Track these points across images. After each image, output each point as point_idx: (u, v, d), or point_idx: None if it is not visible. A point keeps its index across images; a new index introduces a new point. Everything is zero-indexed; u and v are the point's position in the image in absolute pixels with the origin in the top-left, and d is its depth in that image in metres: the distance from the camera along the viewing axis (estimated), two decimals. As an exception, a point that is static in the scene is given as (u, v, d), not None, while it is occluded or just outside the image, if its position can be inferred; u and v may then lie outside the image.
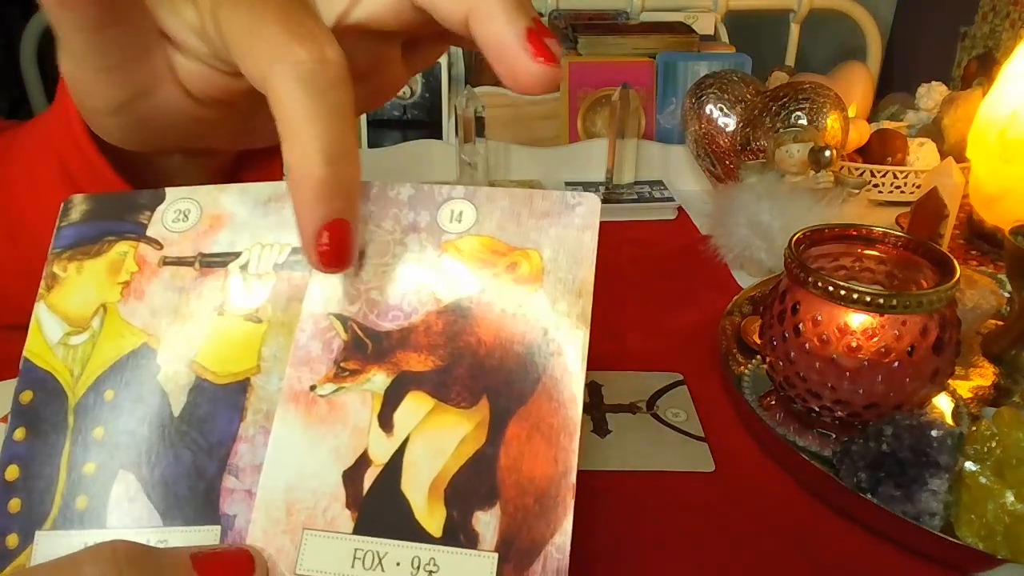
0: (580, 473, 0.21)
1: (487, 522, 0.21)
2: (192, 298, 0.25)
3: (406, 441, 0.22)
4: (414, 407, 0.23)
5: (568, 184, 0.82)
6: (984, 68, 0.92)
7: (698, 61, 0.91)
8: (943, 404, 0.46)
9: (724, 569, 0.37)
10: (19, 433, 0.24)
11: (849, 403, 0.41)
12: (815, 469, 0.40)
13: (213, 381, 0.24)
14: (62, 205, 0.26)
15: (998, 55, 1.03)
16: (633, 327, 0.57)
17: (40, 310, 0.25)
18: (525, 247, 0.24)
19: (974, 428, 0.38)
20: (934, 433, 0.38)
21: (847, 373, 0.40)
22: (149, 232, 0.26)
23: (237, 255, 0.25)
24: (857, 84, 0.93)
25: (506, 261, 0.24)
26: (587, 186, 0.81)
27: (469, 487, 0.22)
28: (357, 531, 0.21)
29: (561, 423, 0.22)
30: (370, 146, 0.87)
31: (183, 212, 0.26)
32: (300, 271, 0.25)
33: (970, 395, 0.48)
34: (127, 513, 0.23)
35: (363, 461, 0.22)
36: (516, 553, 0.21)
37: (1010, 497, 0.35)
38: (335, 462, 0.22)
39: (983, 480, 0.36)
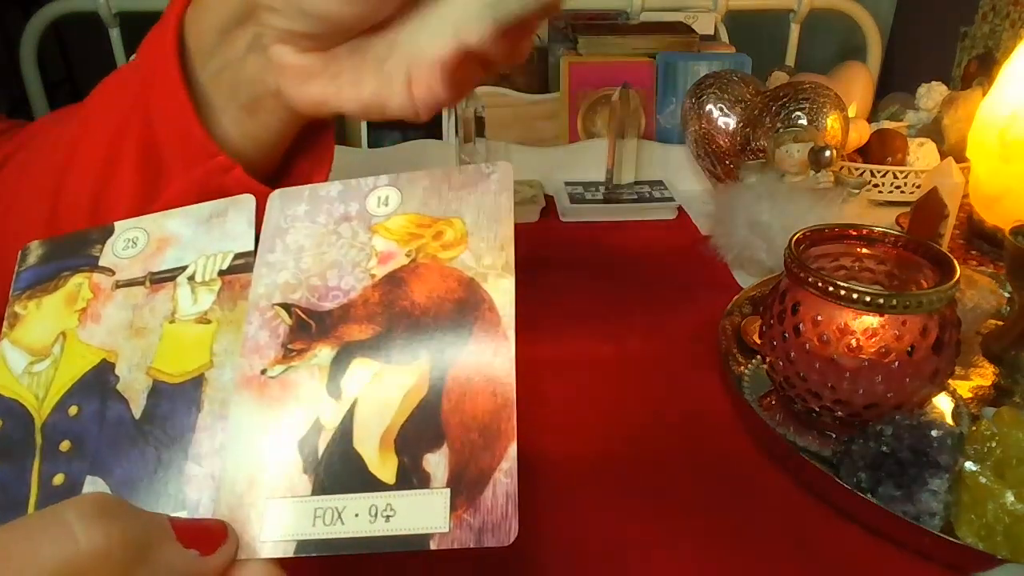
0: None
1: (436, 462, 0.22)
2: (145, 312, 0.27)
3: (354, 404, 0.24)
4: (359, 372, 0.24)
5: (568, 184, 0.82)
6: (984, 68, 0.92)
7: (698, 61, 0.91)
8: (943, 404, 0.46)
9: (724, 569, 0.37)
10: None
11: (849, 403, 0.41)
12: (815, 469, 0.40)
13: (169, 382, 0.25)
14: (19, 253, 0.28)
15: (998, 55, 1.03)
16: (633, 327, 0.57)
17: (4, 347, 0.27)
18: (448, 216, 0.26)
19: (974, 428, 0.38)
20: (934, 433, 0.38)
21: (847, 373, 0.40)
22: (101, 262, 0.28)
23: (184, 268, 0.27)
24: (857, 84, 0.93)
25: (432, 231, 0.26)
26: (587, 186, 0.81)
27: (416, 434, 0.23)
28: (315, 492, 0.23)
29: (498, 362, 0.23)
30: (370, 146, 0.87)
31: (132, 240, 0.28)
32: (244, 273, 0.27)
33: (970, 395, 0.48)
34: None
35: (315, 428, 0.24)
36: (466, 485, 0.22)
37: (1010, 497, 0.35)
38: (289, 434, 0.24)
39: (983, 480, 0.36)
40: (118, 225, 0.29)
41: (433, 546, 0.21)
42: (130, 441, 0.25)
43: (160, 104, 0.34)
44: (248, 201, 0.28)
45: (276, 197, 0.28)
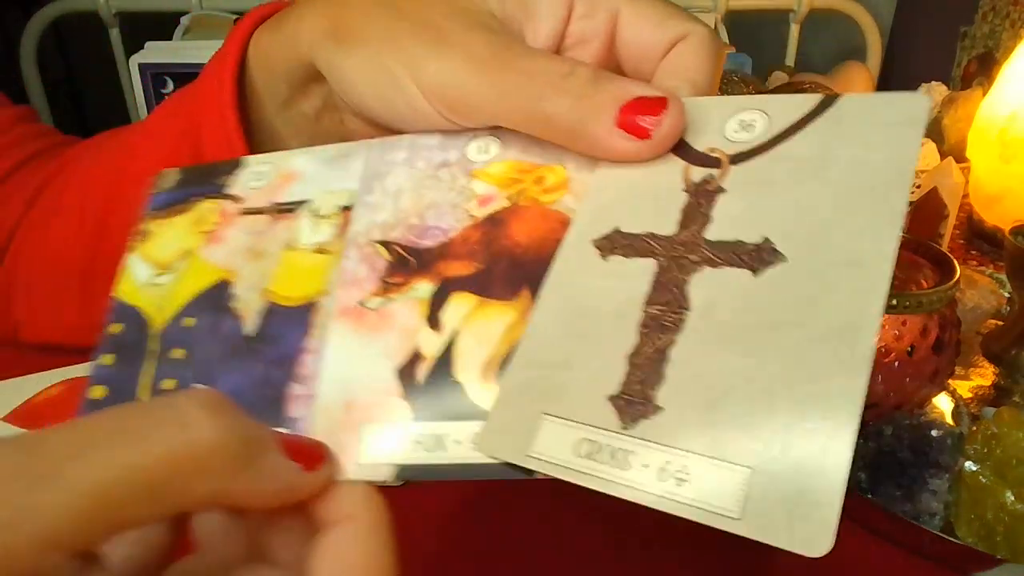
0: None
1: None
2: (267, 239, 0.28)
3: (454, 335, 0.24)
4: (459, 305, 0.24)
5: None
6: (984, 68, 0.92)
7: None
8: (943, 404, 0.46)
9: (724, 568, 0.37)
10: (107, 359, 0.27)
11: (849, 403, 0.41)
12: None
13: (283, 304, 0.26)
14: (155, 178, 0.30)
15: (998, 55, 1.03)
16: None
17: (131, 259, 0.29)
18: (550, 164, 0.26)
19: (974, 428, 0.38)
20: (934, 433, 0.38)
21: (847, 373, 0.40)
22: (230, 191, 0.29)
23: (307, 201, 0.28)
24: (857, 84, 0.93)
25: (533, 176, 0.26)
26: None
27: None
28: (416, 419, 0.22)
29: None
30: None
31: (260, 173, 0.29)
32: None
33: (970, 395, 0.48)
34: None
35: (415, 357, 0.24)
36: None
37: (1010, 497, 0.35)
38: (388, 361, 0.24)
39: (983, 480, 0.36)
40: (248, 159, 0.30)
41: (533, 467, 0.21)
42: (239, 356, 0.26)
43: (215, 151, 0.34)
44: (372, 144, 0.29)
45: (375, 144, 0.28)
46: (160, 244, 0.29)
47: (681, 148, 0.23)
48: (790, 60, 1.25)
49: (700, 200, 0.22)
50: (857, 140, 0.21)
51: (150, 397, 0.25)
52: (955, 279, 0.40)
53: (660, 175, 0.23)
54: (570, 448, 0.20)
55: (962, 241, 0.71)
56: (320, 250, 0.27)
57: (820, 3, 1.23)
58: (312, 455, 0.21)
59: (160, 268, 0.28)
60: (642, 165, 0.24)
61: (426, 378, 0.23)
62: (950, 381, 0.45)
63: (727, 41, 1.11)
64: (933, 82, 0.87)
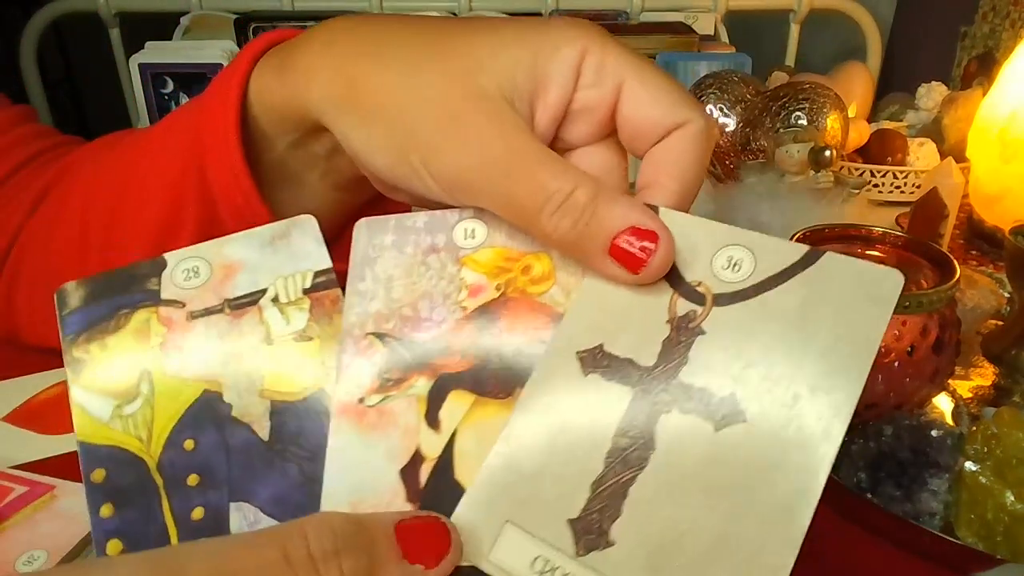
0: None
1: None
2: (235, 339, 0.26)
3: (454, 435, 0.24)
4: (457, 404, 0.24)
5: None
6: (984, 68, 0.92)
7: (698, 61, 0.91)
8: (943, 404, 0.46)
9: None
10: (106, 510, 0.24)
11: (849, 403, 0.41)
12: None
13: (288, 400, 0.25)
14: (56, 296, 0.27)
15: (998, 55, 1.03)
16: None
17: (77, 395, 0.26)
18: (535, 251, 0.26)
19: (974, 428, 0.38)
20: (934, 433, 0.38)
21: (847, 373, 0.40)
22: (164, 295, 0.27)
23: (263, 291, 0.27)
24: (857, 84, 0.93)
25: (520, 265, 0.26)
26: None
27: None
28: None
29: None
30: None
31: (192, 270, 0.27)
32: (329, 289, 0.27)
33: (970, 395, 0.48)
34: None
35: (417, 458, 0.24)
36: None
37: (1010, 497, 0.35)
38: (391, 462, 0.24)
39: (983, 480, 0.36)
40: (169, 257, 0.28)
41: None
42: (266, 462, 0.25)
43: (224, 192, 0.34)
44: (308, 221, 0.28)
45: (363, 226, 0.28)
46: (106, 371, 0.26)
47: (672, 274, 0.24)
48: (790, 60, 1.25)
49: (681, 337, 0.23)
50: (832, 307, 0.22)
51: (179, 534, 0.24)
52: (955, 279, 0.40)
53: (649, 298, 0.24)
54: (527, 562, 0.22)
55: (962, 241, 0.71)
56: (302, 337, 0.26)
57: (820, 3, 1.23)
58: (437, 545, 0.21)
59: (120, 398, 0.26)
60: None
61: (429, 480, 0.24)
62: (950, 381, 0.45)
63: (727, 41, 1.11)
64: (933, 82, 0.87)
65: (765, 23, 1.30)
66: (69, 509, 0.35)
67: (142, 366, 0.26)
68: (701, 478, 0.21)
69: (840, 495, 0.39)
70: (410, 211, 0.28)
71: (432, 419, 0.24)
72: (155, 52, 0.89)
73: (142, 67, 0.87)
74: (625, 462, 0.22)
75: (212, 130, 0.34)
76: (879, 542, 0.37)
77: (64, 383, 0.46)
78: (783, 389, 0.21)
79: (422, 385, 0.25)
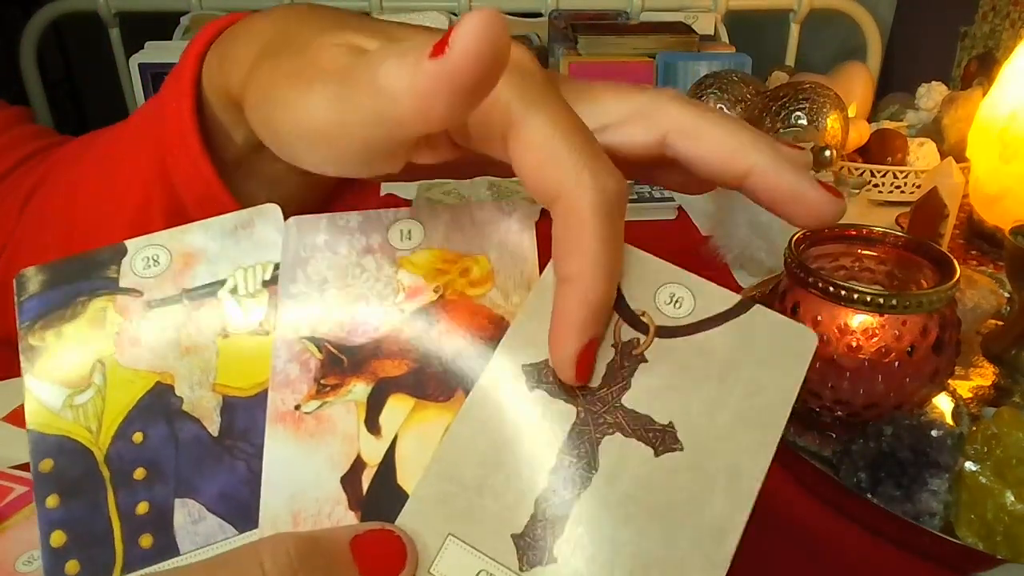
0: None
1: None
2: (191, 331, 0.26)
3: (395, 440, 0.24)
4: (397, 408, 0.24)
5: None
6: (984, 68, 0.92)
7: (698, 61, 0.91)
8: (943, 404, 0.46)
9: (724, 569, 0.37)
10: (52, 500, 0.24)
11: (849, 403, 0.41)
12: (815, 469, 0.40)
13: (240, 395, 0.25)
14: (15, 281, 0.27)
15: (998, 55, 1.03)
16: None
17: (30, 383, 0.25)
18: (473, 253, 0.26)
19: (974, 428, 0.38)
20: (934, 433, 0.38)
21: (847, 373, 0.40)
22: (123, 284, 0.26)
23: (222, 282, 0.26)
24: (857, 84, 0.93)
25: (458, 267, 0.26)
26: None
27: None
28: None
29: None
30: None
31: (151, 259, 0.27)
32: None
33: (970, 395, 0.48)
34: (197, 534, 0.24)
35: (358, 465, 0.24)
36: None
37: (1010, 497, 0.35)
38: (331, 470, 0.24)
39: (983, 480, 0.36)
40: (130, 244, 0.27)
41: None
42: (214, 458, 0.24)
43: (186, 182, 0.34)
44: (273, 210, 0.27)
45: (292, 225, 0.27)
46: (60, 360, 0.26)
47: (618, 299, 0.25)
48: (790, 60, 1.25)
49: (624, 362, 0.24)
50: (757, 356, 0.24)
51: (122, 528, 0.24)
52: (955, 279, 0.40)
53: None
54: (471, 575, 0.22)
55: (962, 241, 0.71)
56: (258, 332, 0.26)
57: (820, 3, 1.23)
58: (393, 559, 0.21)
59: (73, 387, 0.25)
60: None
61: (371, 486, 0.23)
62: (950, 381, 0.45)
63: (727, 41, 1.12)
64: (933, 82, 0.87)
65: (765, 23, 1.30)
66: (69, 509, 0.35)
67: (96, 355, 0.26)
68: (640, 500, 0.22)
69: (840, 495, 0.39)
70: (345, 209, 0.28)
71: (372, 425, 0.24)
72: (155, 52, 0.89)
73: (142, 67, 0.87)
74: (569, 480, 0.23)
75: (171, 120, 0.34)
76: (879, 542, 0.37)
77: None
78: (715, 423, 0.23)
79: (360, 390, 0.25)
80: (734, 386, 0.23)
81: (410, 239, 0.26)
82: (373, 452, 0.24)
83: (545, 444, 0.23)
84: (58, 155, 0.46)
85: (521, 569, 0.22)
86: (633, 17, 1.12)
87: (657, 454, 0.23)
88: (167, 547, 0.24)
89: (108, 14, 1.20)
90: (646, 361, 0.24)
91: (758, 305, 0.24)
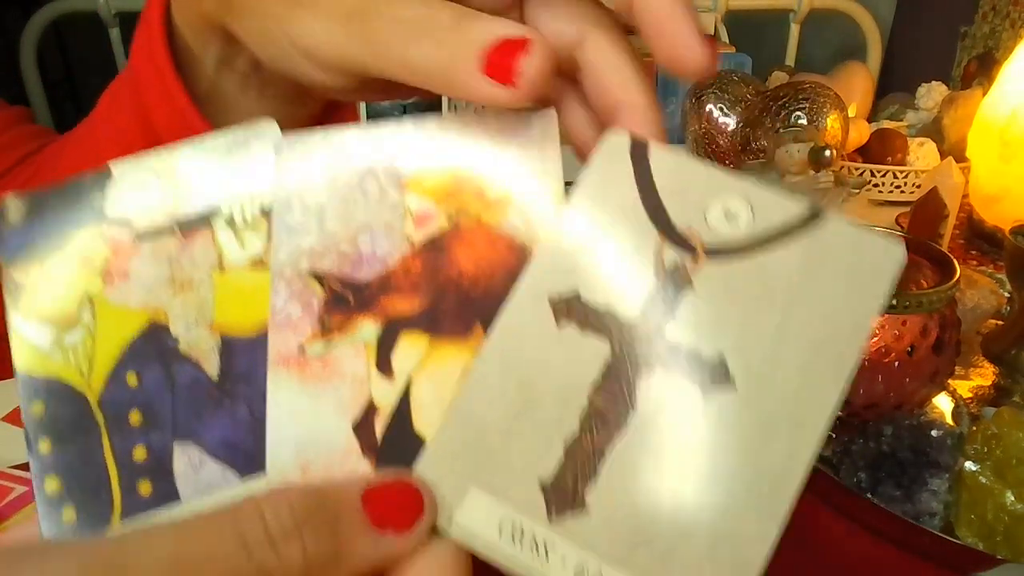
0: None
1: None
2: (184, 265, 0.24)
3: (409, 382, 0.22)
4: (410, 348, 0.22)
5: (568, 184, 0.81)
6: (984, 68, 0.92)
7: (698, 61, 0.91)
8: (943, 404, 0.46)
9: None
10: (44, 446, 0.23)
11: (849, 403, 0.41)
12: (815, 469, 0.40)
13: (238, 336, 0.23)
14: None
15: (998, 55, 1.03)
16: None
17: (15, 322, 0.24)
18: (488, 168, 0.23)
19: (974, 428, 0.38)
20: (934, 433, 0.38)
21: (847, 373, 0.40)
22: (110, 213, 0.24)
23: (217, 211, 0.24)
24: (857, 84, 0.93)
25: (472, 188, 0.23)
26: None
27: None
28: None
29: None
30: (368, 116, 0.87)
31: (141, 184, 0.24)
32: None
33: (970, 395, 0.48)
34: (199, 480, 0.22)
35: (370, 409, 0.22)
36: None
37: (1010, 497, 0.35)
38: (341, 416, 0.22)
39: (983, 480, 0.36)
40: (115, 167, 0.25)
41: None
42: (214, 402, 0.23)
43: (165, 121, 0.33)
44: (270, 127, 0.25)
45: (283, 146, 0.24)
46: (45, 296, 0.24)
47: (661, 217, 0.22)
48: (790, 60, 1.25)
49: (668, 289, 0.21)
50: (829, 277, 0.20)
51: (119, 474, 0.22)
52: (955, 279, 0.40)
53: (634, 240, 0.22)
54: (495, 526, 0.20)
55: (962, 241, 0.71)
56: (257, 265, 0.24)
57: (820, 3, 1.23)
58: (409, 509, 0.20)
59: (60, 326, 0.24)
60: (616, 221, 0.22)
61: (386, 433, 0.22)
62: (950, 381, 0.45)
63: (727, 41, 1.12)
64: (933, 82, 0.87)
65: (765, 23, 1.30)
66: (69, 509, 0.35)
67: (84, 291, 0.24)
68: (683, 445, 0.20)
69: (840, 495, 0.39)
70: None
71: (384, 366, 0.22)
72: (155, 52, 0.89)
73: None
74: (603, 423, 0.20)
75: (146, 74, 0.33)
76: (879, 542, 0.37)
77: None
78: (775, 357, 0.20)
79: (369, 329, 0.22)
80: (799, 313, 0.20)
81: (416, 157, 0.24)
82: (386, 396, 0.22)
83: (576, 384, 0.21)
84: (46, 152, 0.46)
85: (550, 519, 0.20)
86: (633, 17, 1.12)
87: (705, 393, 0.20)
88: (167, 494, 0.22)
89: (108, 14, 1.20)
90: (693, 288, 0.21)
91: (831, 215, 0.21)
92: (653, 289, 0.21)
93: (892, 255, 0.20)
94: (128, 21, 1.23)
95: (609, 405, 0.21)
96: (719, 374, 0.20)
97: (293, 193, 0.24)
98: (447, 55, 0.22)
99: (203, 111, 0.33)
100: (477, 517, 0.20)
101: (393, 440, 0.21)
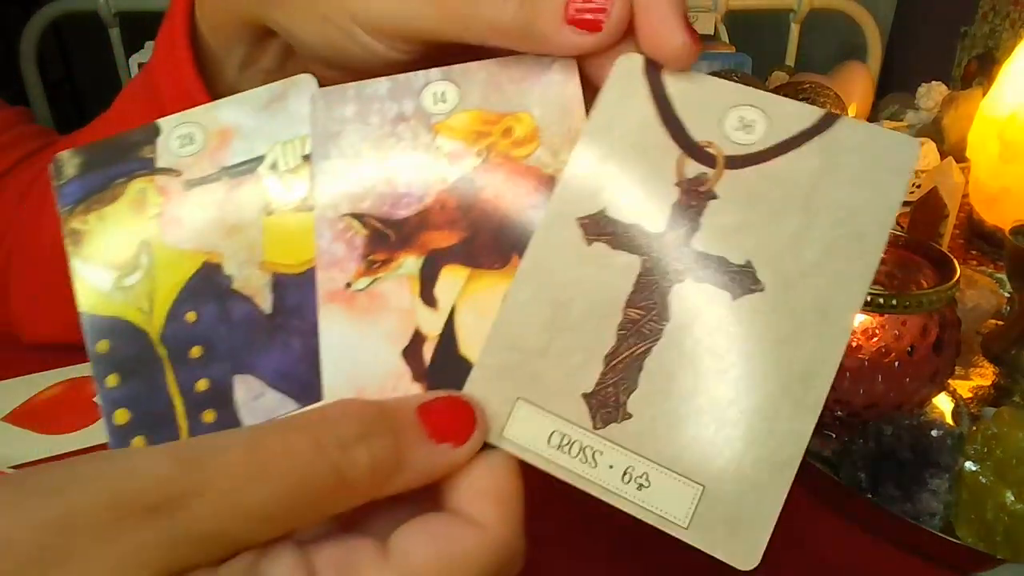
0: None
1: None
2: (233, 209, 0.25)
3: (453, 311, 0.23)
4: (451, 279, 0.23)
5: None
6: (984, 68, 0.92)
7: (698, 61, 0.90)
8: (943, 404, 0.46)
9: (724, 568, 0.36)
10: (112, 380, 0.25)
11: (849, 403, 0.41)
12: (815, 469, 0.40)
13: (290, 272, 0.25)
14: (51, 166, 0.26)
15: (998, 55, 1.03)
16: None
17: (77, 266, 0.26)
18: (514, 111, 0.25)
19: (974, 428, 0.38)
20: (934, 433, 0.38)
21: (847, 373, 0.40)
22: (160, 164, 0.26)
23: (261, 158, 0.26)
24: (857, 84, 0.93)
25: (500, 128, 0.25)
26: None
27: None
28: None
29: None
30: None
31: (187, 136, 0.26)
32: None
33: (970, 395, 0.48)
34: (259, 408, 0.24)
35: (417, 338, 0.23)
36: None
37: (1010, 497, 0.35)
38: (391, 345, 0.23)
39: (983, 480, 0.36)
40: (163, 123, 0.26)
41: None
42: (267, 335, 0.24)
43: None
44: (307, 80, 0.26)
45: (319, 98, 0.26)
46: (105, 242, 0.26)
47: (679, 131, 0.22)
48: (790, 60, 1.25)
49: (691, 201, 0.22)
50: (847, 175, 0.21)
51: (184, 404, 0.24)
52: (955, 279, 0.40)
53: (654, 156, 0.23)
54: (544, 437, 0.21)
55: (962, 241, 0.71)
56: (303, 208, 0.25)
57: (820, 3, 1.23)
58: (462, 423, 0.21)
59: (121, 269, 0.25)
60: (636, 139, 0.23)
61: (433, 358, 0.23)
62: (950, 381, 0.45)
63: (727, 41, 1.12)
64: (933, 82, 0.87)
65: (765, 23, 1.30)
66: (69, 509, 0.35)
67: (140, 237, 0.26)
68: (718, 348, 0.21)
69: (840, 495, 0.39)
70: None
71: (427, 297, 0.23)
72: (155, 52, 0.89)
73: (142, 67, 0.87)
74: (639, 334, 0.21)
75: (166, 73, 0.33)
76: (879, 542, 0.37)
77: (64, 383, 0.46)
78: (800, 257, 0.21)
79: (411, 264, 0.24)
80: (820, 214, 0.21)
81: (444, 102, 0.25)
82: (431, 324, 0.23)
83: (610, 299, 0.22)
84: (61, 142, 0.46)
85: (595, 427, 0.21)
86: (633, 17, 1.12)
87: (735, 298, 0.21)
88: (230, 422, 0.24)
89: (108, 14, 1.20)
90: (716, 197, 0.22)
91: (844, 116, 0.22)
92: (677, 201, 0.22)
93: (907, 149, 0.21)
94: (128, 21, 1.23)
95: (643, 316, 0.21)
96: (747, 279, 0.21)
97: (330, 140, 0.25)
98: (530, 11, 0.22)
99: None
100: (526, 430, 0.21)
101: (441, 365, 0.23)
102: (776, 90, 0.69)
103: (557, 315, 0.22)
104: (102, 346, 0.25)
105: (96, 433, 0.42)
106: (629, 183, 0.23)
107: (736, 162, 0.22)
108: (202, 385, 0.24)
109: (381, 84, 0.25)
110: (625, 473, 0.21)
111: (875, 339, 0.40)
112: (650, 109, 0.23)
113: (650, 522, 0.20)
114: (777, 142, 0.22)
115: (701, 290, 0.21)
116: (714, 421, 0.21)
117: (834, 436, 0.43)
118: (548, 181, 0.24)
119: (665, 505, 0.20)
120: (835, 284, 0.21)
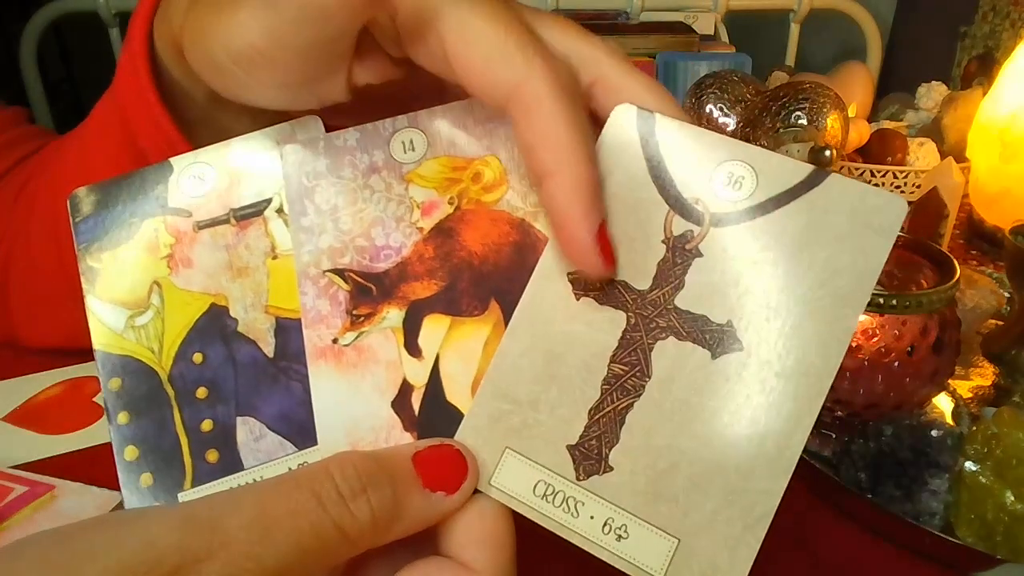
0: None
1: None
2: (241, 251, 0.26)
3: (437, 359, 0.24)
4: (434, 328, 0.24)
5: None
6: (984, 68, 0.92)
7: (698, 61, 0.91)
8: (943, 404, 0.46)
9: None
10: (123, 417, 0.25)
11: (849, 403, 0.41)
12: (815, 469, 0.40)
13: (292, 317, 0.26)
14: (68, 201, 0.27)
15: (998, 55, 1.03)
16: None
17: (92, 304, 0.26)
18: (482, 155, 0.25)
19: (974, 428, 0.38)
20: (934, 433, 0.38)
21: (847, 373, 0.40)
22: (172, 203, 0.27)
23: (268, 201, 0.26)
24: (857, 84, 0.93)
25: (469, 173, 0.25)
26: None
27: None
28: None
29: None
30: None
31: (198, 176, 0.27)
32: None
33: (970, 395, 0.48)
34: (259, 451, 0.25)
35: (405, 388, 0.24)
36: None
37: (1010, 497, 0.35)
38: (381, 397, 0.24)
39: (983, 480, 0.36)
40: (175, 162, 0.27)
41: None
42: (271, 379, 0.25)
43: (152, 144, 0.33)
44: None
45: (289, 153, 0.26)
46: (118, 281, 0.26)
47: (668, 186, 0.23)
48: (790, 60, 1.25)
49: (677, 258, 0.22)
50: (833, 235, 0.21)
51: (190, 443, 0.25)
52: (955, 279, 0.40)
53: (643, 212, 0.23)
54: (529, 487, 0.22)
55: (962, 241, 0.71)
56: None
57: (820, 3, 1.23)
58: (454, 471, 0.21)
59: (132, 308, 0.26)
60: (626, 193, 0.23)
61: (422, 406, 0.24)
62: (950, 381, 0.45)
63: (727, 41, 1.11)
64: (933, 82, 0.87)
65: (765, 23, 1.30)
66: (69, 509, 0.35)
67: (152, 277, 0.26)
68: (697, 405, 0.22)
69: (840, 495, 0.39)
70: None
71: (412, 348, 0.24)
72: (155, 52, 0.89)
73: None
74: (622, 389, 0.22)
75: (128, 89, 0.33)
76: (879, 542, 0.37)
77: (64, 383, 0.46)
78: (781, 319, 0.21)
79: (395, 316, 0.24)
80: (804, 273, 0.21)
81: (413, 150, 0.25)
82: (418, 374, 0.24)
83: (596, 353, 0.22)
84: (43, 153, 0.46)
85: (578, 479, 0.22)
86: (633, 17, 1.12)
87: (715, 356, 0.22)
88: (232, 462, 0.25)
89: (108, 14, 1.20)
90: (701, 255, 0.22)
91: (834, 174, 0.22)
92: (663, 259, 0.23)
93: (895, 208, 0.21)
94: (128, 21, 1.23)
95: (627, 372, 0.22)
96: (728, 338, 0.22)
97: (305, 196, 0.26)
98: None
99: (198, 135, 0.33)
100: (513, 479, 0.22)
101: (430, 413, 0.24)
102: (776, 90, 0.69)
103: (546, 368, 0.23)
104: (115, 383, 0.26)
105: (96, 433, 0.42)
106: (617, 240, 0.23)
107: (723, 220, 0.22)
108: (207, 426, 0.25)
109: (350, 135, 0.26)
110: (605, 524, 0.22)
111: (875, 339, 0.40)
112: (641, 164, 0.23)
113: (627, 572, 0.21)
114: (765, 199, 0.22)
115: (683, 348, 0.22)
116: (691, 479, 0.21)
117: (834, 436, 0.43)
118: (519, 224, 0.24)
119: (642, 556, 0.21)
120: (813, 345, 0.21)
